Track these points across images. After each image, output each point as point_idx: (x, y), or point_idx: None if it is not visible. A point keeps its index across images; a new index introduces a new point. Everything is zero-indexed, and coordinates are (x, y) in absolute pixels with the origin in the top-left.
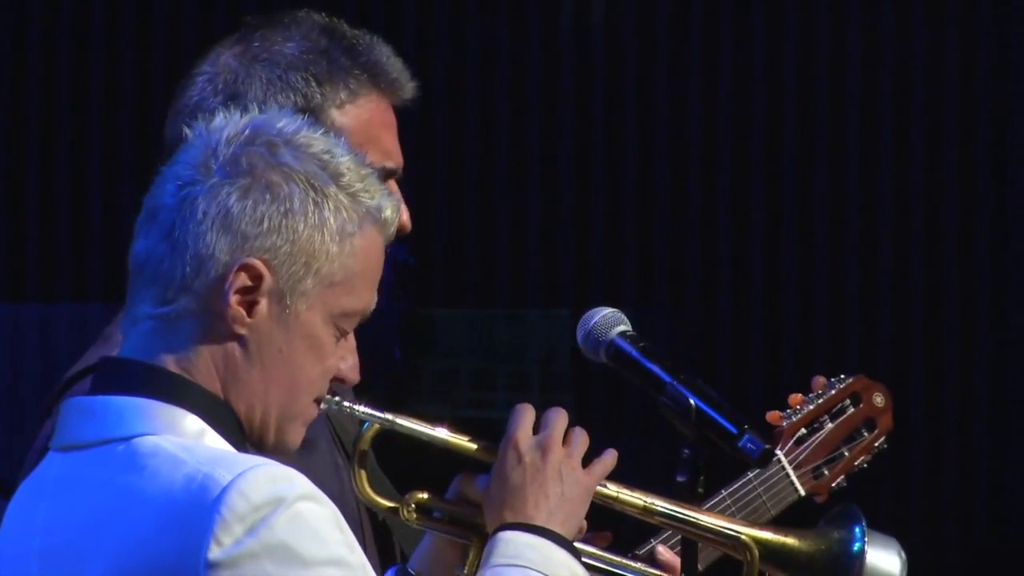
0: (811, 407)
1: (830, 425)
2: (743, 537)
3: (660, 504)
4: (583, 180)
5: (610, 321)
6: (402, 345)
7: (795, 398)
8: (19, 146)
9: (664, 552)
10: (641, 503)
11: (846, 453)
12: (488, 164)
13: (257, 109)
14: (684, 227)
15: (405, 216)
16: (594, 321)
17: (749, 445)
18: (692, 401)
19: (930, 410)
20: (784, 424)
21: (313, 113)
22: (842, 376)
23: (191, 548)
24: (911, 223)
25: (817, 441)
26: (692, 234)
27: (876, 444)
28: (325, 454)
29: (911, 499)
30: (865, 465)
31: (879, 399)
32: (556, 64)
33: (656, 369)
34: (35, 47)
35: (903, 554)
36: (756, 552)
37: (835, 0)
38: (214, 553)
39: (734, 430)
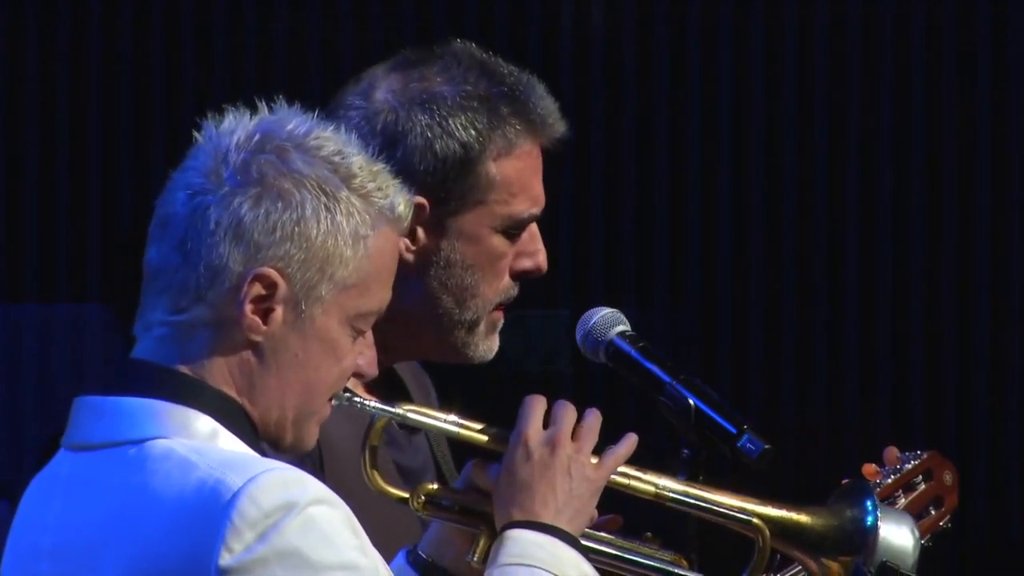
0: (890, 480)
1: (903, 500)
2: (755, 520)
3: (671, 488)
4: (582, 180)
5: (609, 321)
6: None
7: (869, 469)
8: (18, 147)
9: None
10: (653, 489)
11: None
12: None
13: (417, 156)
14: (683, 227)
15: (541, 257)
16: (593, 321)
17: (748, 445)
18: (692, 401)
19: (929, 410)
20: None
21: (470, 162)
22: (918, 452)
23: (202, 554)
24: (910, 224)
25: None
26: (691, 234)
27: (941, 523)
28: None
29: None
30: (929, 544)
31: (948, 477)
32: (555, 64)
33: (655, 369)
34: (34, 47)
35: (916, 530)
36: (768, 533)
37: (834, 1)
38: (225, 559)
39: (733, 430)
